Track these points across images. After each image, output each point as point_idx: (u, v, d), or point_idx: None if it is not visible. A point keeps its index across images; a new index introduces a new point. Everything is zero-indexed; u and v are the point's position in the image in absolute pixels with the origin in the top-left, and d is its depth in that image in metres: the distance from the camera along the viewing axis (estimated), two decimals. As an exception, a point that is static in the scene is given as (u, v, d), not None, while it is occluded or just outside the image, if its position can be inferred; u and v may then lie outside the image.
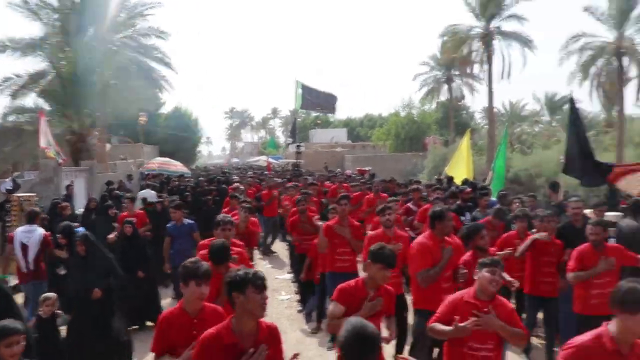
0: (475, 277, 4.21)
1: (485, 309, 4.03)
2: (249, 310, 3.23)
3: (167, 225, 9.54)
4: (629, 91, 29.70)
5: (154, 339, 3.92)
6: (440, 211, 5.60)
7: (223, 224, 5.97)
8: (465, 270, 5.28)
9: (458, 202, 9.87)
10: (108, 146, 28.39)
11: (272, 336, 3.41)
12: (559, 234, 6.87)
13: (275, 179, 18.13)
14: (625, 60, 28.67)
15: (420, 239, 5.70)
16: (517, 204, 8.99)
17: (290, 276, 11.16)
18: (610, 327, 3.18)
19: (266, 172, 24.60)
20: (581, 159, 9.96)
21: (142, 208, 11.78)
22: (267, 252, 14.17)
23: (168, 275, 10.05)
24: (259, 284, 3.24)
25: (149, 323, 8.42)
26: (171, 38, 32.56)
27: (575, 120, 10.50)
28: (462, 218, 9.08)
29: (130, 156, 31.55)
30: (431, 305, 5.13)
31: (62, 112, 20.86)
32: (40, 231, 8.28)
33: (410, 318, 6.37)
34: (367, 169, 26.26)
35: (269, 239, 14.38)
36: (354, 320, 2.88)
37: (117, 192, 15.19)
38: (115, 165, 25.89)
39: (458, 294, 4.34)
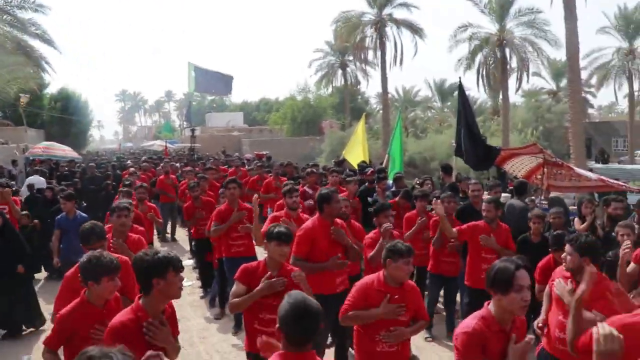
0: (389, 266, 4.13)
1: (396, 296, 4.06)
2: (167, 294, 3.18)
3: (57, 217, 8.42)
4: (512, 81, 31.55)
5: (52, 335, 3.71)
6: (328, 193, 5.40)
7: (118, 211, 5.70)
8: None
9: (366, 184, 10.03)
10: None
11: (172, 313, 3.48)
12: (459, 215, 7.13)
13: (173, 163, 17.66)
14: (508, 52, 30.35)
15: (308, 223, 5.52)
16: (429, 185, 9.14)
17: (191, 262, 10.89)
18: (491, 307, 3.14)
19: (163, 157, 23.78)
20: (471, 143, 10.35)
21: (28, 196, 11.07)
22: (167, 239, 13.69)
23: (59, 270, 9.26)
24: (179, 266, 3.19)
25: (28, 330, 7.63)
26: (54, 14, 30.54)
27: (464, 105, 10.90)
28: (370, 199, 9.23)
29: (12, 140, 29.41)
30: (319, 289, 5.03)
31: None
32: None
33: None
34: (264, 152, 26.20)
35: (169, 227, 13.87)
36: (295, 294, 2.80)
37: (-2, 178, 14.18)
38: (-6, 150, 24.07)
39: (367, 279, 4.30)
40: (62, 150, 23.29)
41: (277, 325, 2.73)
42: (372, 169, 10.87)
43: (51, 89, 41.96)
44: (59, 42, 26.10)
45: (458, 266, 7.01)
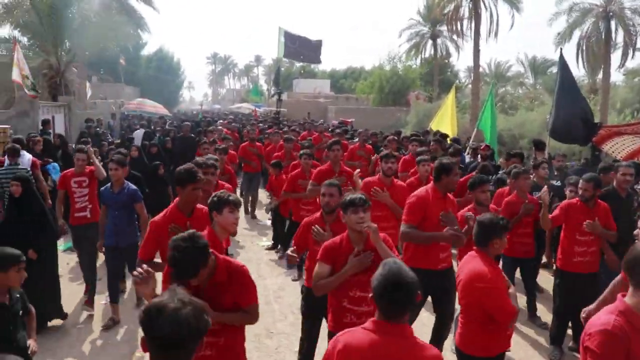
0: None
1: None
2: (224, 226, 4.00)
3: (102, 188, 6.76)
4: (615, 57, 29.55)
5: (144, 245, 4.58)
6: (448, 164, 5.15)
7: (206, 167, 5.60)
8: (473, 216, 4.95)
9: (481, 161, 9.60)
10: (88, 84, 27.71)
11: (232, 277, 3.34)
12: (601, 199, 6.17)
13: (261, 125, 17.91)
14: (613, 24, 28.44)
15: (421, 190, 5.26)
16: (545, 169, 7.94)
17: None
18: (628, 299, 2.57)
19: (252, 119, 23.82)
20: (570, 115, 9.78)
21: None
22: (252, 216, 12.43)
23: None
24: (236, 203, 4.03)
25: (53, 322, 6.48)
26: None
27: (567, 77, 10.29)
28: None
29: (111, 96, 30.88)
30: (421, 264, 4.88)
31: (39, 45, 20.19)
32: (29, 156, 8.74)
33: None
34: (350, 120, 26.23)
35: (249, 201, 12.55)
36: (390, 262, 2.63)
37: (97, 129, 14.89)
38: (95, 104, 25.35)
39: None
40: (153, 107, 24.22)
41: (371, 295, 2.60)
42: (486, 143, 10.32)
43: (148, 49, 43.54)
44: (156, 2, 26.78)
45: (532, 247, 6.71)
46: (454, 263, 5.19)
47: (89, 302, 6.86)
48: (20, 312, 4.00)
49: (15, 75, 14.26)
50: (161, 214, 4.68)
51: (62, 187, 7.29)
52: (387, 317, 2.52)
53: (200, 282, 3.16)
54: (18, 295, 3.98)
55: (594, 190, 5.80)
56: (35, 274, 4.97)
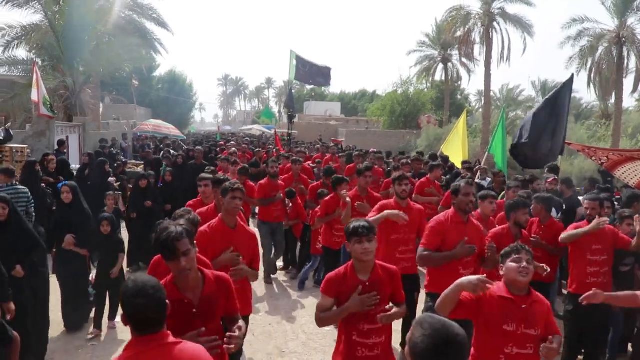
0: (501, 272, 3.77)
1: (524, 306, 3.60)
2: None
3: None
4: (626, 82, 29.49)
5: None
6: (458, 185, 5.16)
7: (232, 191, 4.78)
8: (493, 244, 5.02)
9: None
10: (101, 105, 28.08)
11: (220, 286, 3.30)
12: None
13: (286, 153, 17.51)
14: (625, 50, 28.40)
15: (440, 215, 5.25)
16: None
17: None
18: None
19: (274, 146, 19.83)
20: (546, 138, 9.88)
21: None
22: (271, 273, 9.35)
23: None
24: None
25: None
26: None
27: (561, 98, 10.24)
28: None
29: (123, 117, 31.29)
30: (441, 289, 4.50)
31: (55, 66, 20.53)
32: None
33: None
34: (340, 139, 27.67)
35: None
36: (428, 319, 2.07)
37: (112, 150, 15.05)
38: (108, 125, 25.67)
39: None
40: (167, 129, 24.49)
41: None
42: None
43: (160, 71, 44.09)
44: (170, 24, 27.19)
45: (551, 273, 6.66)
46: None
47: None
48: None
49: (34, 96, 14.48)
50: (205, 225, 4.67)
51: None
52: None
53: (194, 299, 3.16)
54: None
55: (600, 209, 5.87)
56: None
